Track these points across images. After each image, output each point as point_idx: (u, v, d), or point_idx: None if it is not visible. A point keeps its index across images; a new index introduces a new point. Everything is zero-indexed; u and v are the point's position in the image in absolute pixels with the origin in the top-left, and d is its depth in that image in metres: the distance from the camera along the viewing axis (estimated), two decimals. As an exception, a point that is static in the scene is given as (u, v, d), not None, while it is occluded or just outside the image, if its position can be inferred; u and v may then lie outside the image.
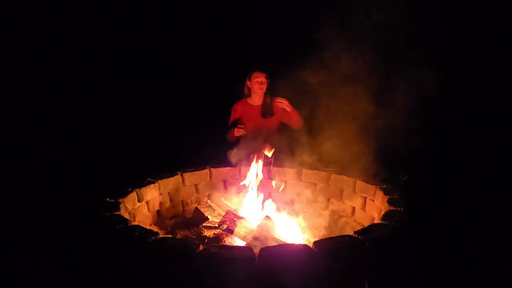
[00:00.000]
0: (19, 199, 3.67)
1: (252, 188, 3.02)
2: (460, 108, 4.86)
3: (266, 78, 3.78)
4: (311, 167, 3.37)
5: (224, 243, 2.60)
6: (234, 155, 3.46)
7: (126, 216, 2.55)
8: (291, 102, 3.62)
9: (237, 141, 3.79)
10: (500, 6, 4.63)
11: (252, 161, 3.33)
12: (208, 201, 3.26)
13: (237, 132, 3.61)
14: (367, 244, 1.99)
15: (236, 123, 3.73)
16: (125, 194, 2.74)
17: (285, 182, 3.43)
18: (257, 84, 3.75)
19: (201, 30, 6.08)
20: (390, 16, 3.32)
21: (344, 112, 3.38)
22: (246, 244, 2.44)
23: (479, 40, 4.74)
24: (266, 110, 3.83)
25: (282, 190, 3.30)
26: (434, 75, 3.30)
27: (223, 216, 2.65)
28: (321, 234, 2.80)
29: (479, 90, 4.97)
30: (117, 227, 2.21)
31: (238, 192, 3.26)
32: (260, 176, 3.07)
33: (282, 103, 3.58)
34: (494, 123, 4.92)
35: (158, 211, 3.15)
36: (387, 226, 2.19)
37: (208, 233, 2.79)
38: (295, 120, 3.70)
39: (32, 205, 3.54)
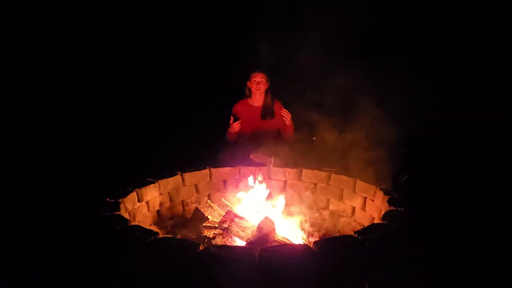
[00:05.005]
0: (19, 199, 3.67)
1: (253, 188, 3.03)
2: (460, 107, 4.87)
3: (265, 78, 3.81)
4: (311, 167, 3.37)
5: (224, 243, 2.60)
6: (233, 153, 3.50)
7: (126, 216, 2.55)
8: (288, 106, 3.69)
9: (236, 140, 3.80)
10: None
11: (251, 161, 3.36)
12: (208, 201, 3.26)
13: (234, 127, 3.67)
14: (367, 244, 1.99)
15: (234, 120, 3.75)
16: (125, 194, 2.74)
17: (285, 182, 3.44)
18: (254, 84, 3.80)
19: (201, 30, 6.08)
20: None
21: (344, 112, 3.39)
22: (246, 244, 2.44)
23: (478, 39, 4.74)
24: (267, 112, 3.86)
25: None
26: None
27: (223, 216, 2.65)
28: (321, 234, 2.80)
29: (480, 89, 4.98)
30: (117, 227, 2.21)
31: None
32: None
33: (286, 117, 3.69)
34: (494, 123, 4.93)
35: (158, 211, 3.15)
36: (387, 226, 2.19)
37: (208, 233, 2.79)
38: (288, 132, 3.81)
39: (32, 205, 3.53)
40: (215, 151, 3.71)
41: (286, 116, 3.69)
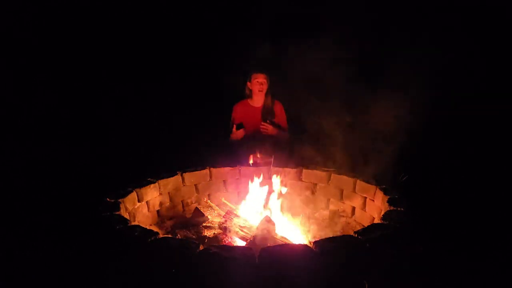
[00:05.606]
0: (19, 199, 3.67)
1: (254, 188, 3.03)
2: (460, 107, 4.87)
3: (266, 79, 3.81)
4: (311, 167, 3.37)
5: (224, 243, 2.60)
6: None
7: (126, 216, 2.55)
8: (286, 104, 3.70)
9: (239, 140, 3.81)
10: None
11: (251, 161, 3.36)
12: (208, 201, 3.26)
13: (238, 135, 3.69)
14: (367, 244, 1.99)
15: (237, 126, 3.77)
16: (125, 194, 2.74)
17: (285, 183, 3.44)
18: (257, 85, 3.79)
19: (201, 30, 6.08)
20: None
21: (343, 111, 3.39)
22: (246, 244, 2.44)
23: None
24: (267, 113, 3.87)
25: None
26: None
27: (223, 216, 2.65)
28: (321, 234, 2.80)
29: (480, 89, 4.97)
30: (117, 227, 2.21)
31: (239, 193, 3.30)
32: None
33: (266, 130, 3.70)
34: (494, 123, 4.93)
35: (158, 211, 3.15)
36: (387, 226, 2.19)
37: (208, 233, 2.79)
38: (282, 137, 3.83)
39: (32, 205, 3.53)
40: (215, 151, 3.71)
41: (266, 129, 3.71)
